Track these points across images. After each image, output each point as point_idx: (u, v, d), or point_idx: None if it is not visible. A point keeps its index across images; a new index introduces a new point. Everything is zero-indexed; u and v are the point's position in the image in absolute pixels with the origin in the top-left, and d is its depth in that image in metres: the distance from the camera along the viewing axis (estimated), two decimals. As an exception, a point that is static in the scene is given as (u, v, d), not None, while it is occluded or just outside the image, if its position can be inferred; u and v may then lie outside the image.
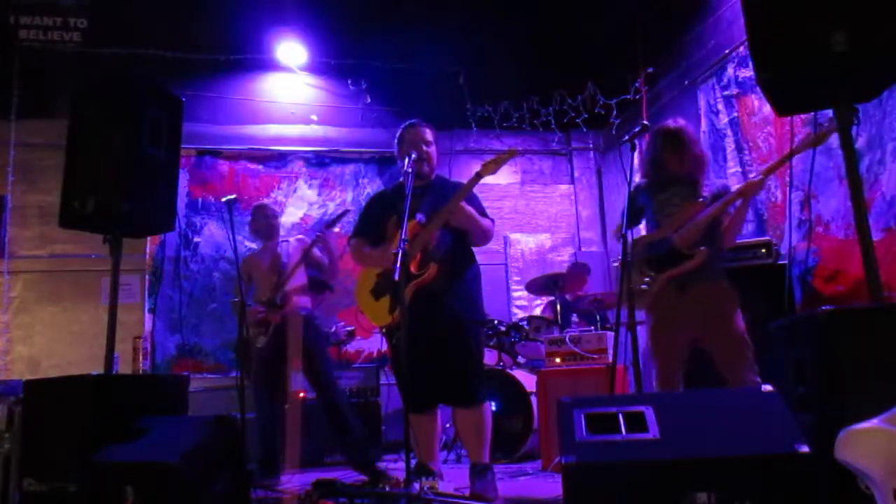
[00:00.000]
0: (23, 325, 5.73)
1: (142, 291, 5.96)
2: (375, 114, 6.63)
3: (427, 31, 6.17)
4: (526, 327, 4.95)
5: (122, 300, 2.88)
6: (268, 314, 4.03)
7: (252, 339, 4.20)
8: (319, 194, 6.48)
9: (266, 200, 6.03)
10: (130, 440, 2.34)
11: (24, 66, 5.97)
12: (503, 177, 6.75)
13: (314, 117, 6.59)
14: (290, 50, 6.44)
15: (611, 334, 3.88)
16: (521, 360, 5.04)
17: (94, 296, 5.75)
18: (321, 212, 6.38)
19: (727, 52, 4.84)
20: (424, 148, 3.24)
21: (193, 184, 6.26)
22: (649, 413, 1.71)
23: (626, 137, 3.05)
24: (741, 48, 4.66)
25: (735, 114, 4.73)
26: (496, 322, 4.94)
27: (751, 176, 4.21)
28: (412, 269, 3.00)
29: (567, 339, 4.10)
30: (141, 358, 5.51)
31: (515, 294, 6.60)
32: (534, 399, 4.37)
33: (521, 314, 6.26)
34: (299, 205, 6.37)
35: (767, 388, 1.76)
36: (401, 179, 3.15)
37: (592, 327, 4.44)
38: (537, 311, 6.10)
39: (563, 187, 7.08)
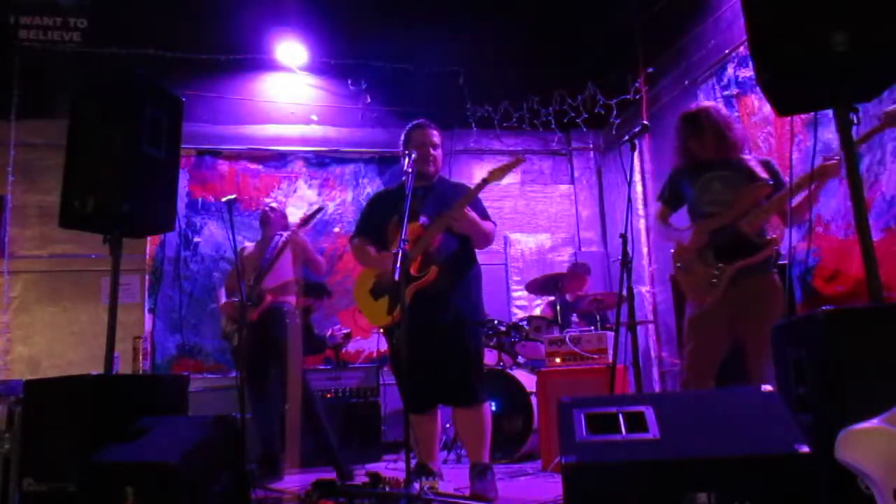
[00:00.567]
0: (23, 325, 5.73)
1: (142, 291, 5.96)
2: (375, 114, 6.63)
3: (427, 31, 6.17)
4: (526, 327, 4.94)
5: (122, 300, 2.87)
6: (245, 310, 4.00)
7: (228, 335, 4.20)
8: (319, 194, 6.48)
9: (268, 200, 6.04)
10: (130, 440, 2.33)
11: (24, 66, 5.97)
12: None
13: (314, 117, 6.59)
14: (290, 50, 6.44)
15: (611, 334, 3.88)
16: (521, 360, 5.04)
17: (94, 296, 5.76)
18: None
19: (727, 52, 4.84)
20: (431, 151, 3.23)
21: (193, 184, 6.26)
22: (649, 413, 1.70)
23: (626, 137, 3.05)
24: (741, 48, 4.67)
25: (735, 114, 4.72)
26: (496, 322, 4.94)
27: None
28: (412, 271, 2.99)
29: (567, 339, 4.10)
30: (141, 358, 5.52)
31: (515, 294, 6.60)
32: (534, 399, 4.37)
33: (521, 314, 6.26)
34: (299, 205, 6.36)
35: (767, 388, 1.76)
36: (403, 179, 3.14)
37: (592, 327, 4.44)
38: (537, 312, 6.10)
39: (563, 187, 7.08)
